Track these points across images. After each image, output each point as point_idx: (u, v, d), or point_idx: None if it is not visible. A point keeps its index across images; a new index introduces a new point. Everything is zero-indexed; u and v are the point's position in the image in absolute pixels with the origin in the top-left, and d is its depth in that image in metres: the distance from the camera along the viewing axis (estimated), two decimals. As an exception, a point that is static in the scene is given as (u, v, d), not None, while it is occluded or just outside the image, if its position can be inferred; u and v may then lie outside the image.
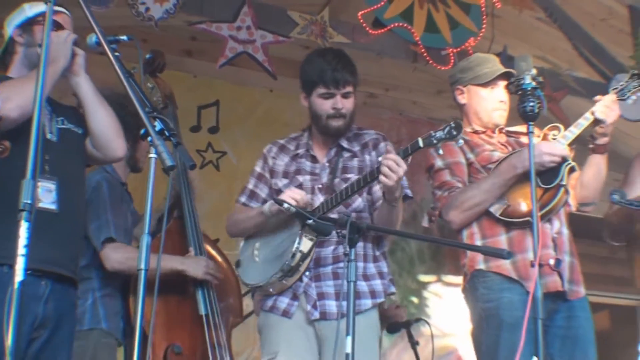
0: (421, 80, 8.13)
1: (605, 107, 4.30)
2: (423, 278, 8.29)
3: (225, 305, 4.59)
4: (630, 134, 7.88)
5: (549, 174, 4.21)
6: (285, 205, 3.84)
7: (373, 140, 4.46)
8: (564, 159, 4.23)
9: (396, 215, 4.24)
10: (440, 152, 3.98)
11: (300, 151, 4.47)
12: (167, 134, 3.08)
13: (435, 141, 3.88)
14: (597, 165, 4.43)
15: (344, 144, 4.42)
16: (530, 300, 3.56)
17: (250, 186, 4.51)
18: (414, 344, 6.05)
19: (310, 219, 3.73)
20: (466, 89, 4.63)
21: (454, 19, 6.51)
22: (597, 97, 4.36)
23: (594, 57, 7.32)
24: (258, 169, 4.53)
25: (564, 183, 4.23)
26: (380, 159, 3.96)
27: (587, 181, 4.43)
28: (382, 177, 3.91)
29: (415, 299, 8.17)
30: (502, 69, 4.56)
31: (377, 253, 4.40)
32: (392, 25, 6.23)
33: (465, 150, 4.49)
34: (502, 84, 4.54)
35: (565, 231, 4.37)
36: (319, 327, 4.16)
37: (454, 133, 3.87)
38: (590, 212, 4.59)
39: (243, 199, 4.51)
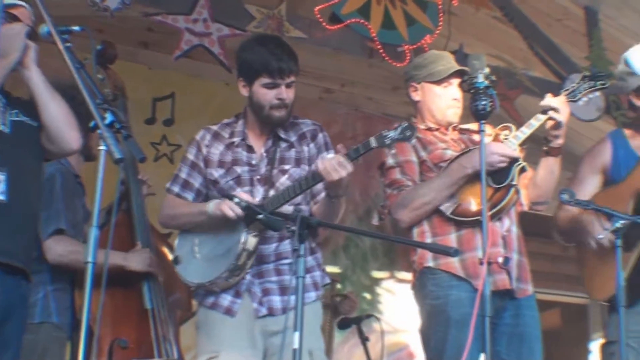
0: (377, 77, 8.15)
1: (559, 102, 4.34)
2: (376, 274, 8.30)
3: (173, 299, 4.56)
4: (582, 134, 7.94)
5: (500, 174, 4.24)
6: (236, 199, 3.82)
7: (311, 131, 4.41)
8: (515, 159, 4.26)
9: (337, 210, 4.21)
10: (393, 150, 3.99)
11: (236, 140, 4.36)
12: (117, 126, 3.05)
13: (388, 141, 3.87)
14: (550, 167, 4.45)
15: (281, 133, 4.35)
16: (478, 298, 3.59)
17: (183, 175, 4.39)
18: (364, 340, 6.08)
19: (261, 214, 3.72)
20: (420, 86, 4.63)
21: (411, 16, 6.52)
22: (548, 97, 4.37)
23: (549, 57, 7.36)
24: (191, 157, 4.41)
25: (514, 183, 4.26)
26: (329, 155, 3.99)
27: (539, 181, 4.45)
28: (324, 175, 3.91)
29: (368, 295, 8.19)
30: (456, 67, 4.57)
31: (313, 244, 4.36)
32: (349, 21, 6.23)
33: (417, 148, 4.49)
34: (456, 81, 4.56)
35: (515, 230, 4.40)
36: (265, 324, 4.13)
37: (407, 134, 3.87)
38: (541, 211, 4.62)
39: (176, 188, 4.39)
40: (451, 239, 4.31)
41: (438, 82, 4.59)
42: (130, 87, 4.90)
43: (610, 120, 7.68)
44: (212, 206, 4.15)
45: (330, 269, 7.88)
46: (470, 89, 3.93)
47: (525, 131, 4.33)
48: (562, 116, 4.31)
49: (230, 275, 4.10)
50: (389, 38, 6.41)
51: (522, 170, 4.30)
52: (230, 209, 3.99)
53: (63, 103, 3.77)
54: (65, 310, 4.42)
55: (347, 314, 6.34)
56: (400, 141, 3.89)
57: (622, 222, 3.85)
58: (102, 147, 3.00)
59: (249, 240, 4.06)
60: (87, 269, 2.92)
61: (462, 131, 4.65)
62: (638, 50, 4.58)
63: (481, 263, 3.67)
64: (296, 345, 3.36)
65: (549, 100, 4.35)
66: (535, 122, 4.34)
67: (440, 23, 6.65)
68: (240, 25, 6.00)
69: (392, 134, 3.87)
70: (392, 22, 6.42)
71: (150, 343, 4.33)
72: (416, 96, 4.65)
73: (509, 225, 4.37)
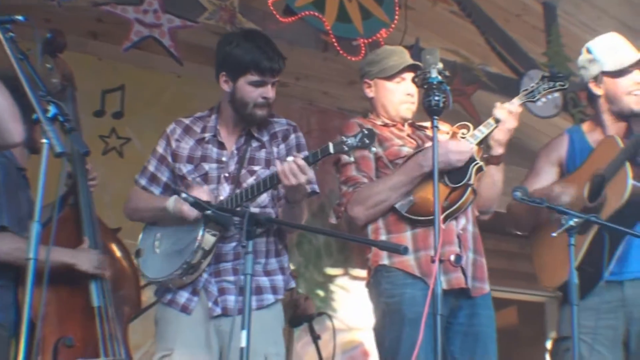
0: (333, 70, 8.13)
1: (508, 113, 4.33)
2: (330, 271, 8.30)
3: (121, 296, 4.52)
4: (539, 130, 7.99)
5: (457, 173, 4.27)
6: (184, 195, 3.80)
7: (283, 131, 4.42)
8: (472, 159, 4.28)
9: (299, 213, 4.22)
10: (352, 159, 4.01)
11: (207, 136, 4.38)
12: (60, 119, 3.02)
13: (346, 148, 3.90)
14: (491, 176, 4.47)
15: (254, 132, 4.36)
16: (429, 296, 3.60)
17: (151, 168, 4.42)
18: (315, 338, 6.07)
19: (208, 210, 3.70)
20: (373, 82, 4.66)
21: (367, 9, 6.52)
22: (498, 107, 4.37)
23: (507, 53, 7.40)
24: (160, 150, 4.43)
25: (471, 183, 4.29)
26: (288, 158, 3.97)
27: (481, 191, 4.47)
28: (282, 178, 3.93)
29: (321, 292, 8.18)
30: (408, 62, 4.60)
31: (279, 247, 4.38)
32: (303, 14, 6.21)
33: (393, 137, 4.54)
34: (410, 76, 4.55)
35: (472, 228, 4.43)
36: (220, 324, 4.13)
37: (367, 141, 3.89)
38: (497, 208, 4.65)
39: (143, 181, 4.42)
40: (406, 236, 4.33)
41: (390, 77, 4.61)
42: (78, 78, 4.84)
43: (568, 117, 7.74)
44: (172, 203, 4.15)
45: (284, 266, 7.89)
46: (423, 85, 3.94)
47: (484, 130, 4.35)
48: (510, 125, 4.33)
49: (184, 273, 4.11)
50: (344, 31, 6.40)
51: (479, 169, 4.32)
52: (190, 209, 3.98)
53: (6, 94, 3.71)
54: (8, 307, 4.37)
55: (305, 314, 6.33)
56: (359, 148, 3.92)
57: (576, 220, 3.88)
58: (44, 140, 2.96)
59: (206, 238, 4.07)
60: (29, 265, 2.89)
61: (419, 128, 4.67)
62: (600, 39, 4.69)
63: (432, 261, 3.67)
64: (244, 344, 3.35)
65: (498, 112, 4.34)
66: (494, 122, 4.34)
67: (397, 17, 6.65)
68: (192, 16, 5.97)
69: (350, 141, 3.90)
70: (347, 15, 6.42)
71: (96, 342, 4.29)
72: (370, 92, 4.68)
73: (464, 224, 4.40)
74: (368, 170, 4.47)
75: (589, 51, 4.66)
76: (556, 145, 4.81)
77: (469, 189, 4.30)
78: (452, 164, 4.23)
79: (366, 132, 3.90)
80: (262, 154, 4.35)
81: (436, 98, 3.84)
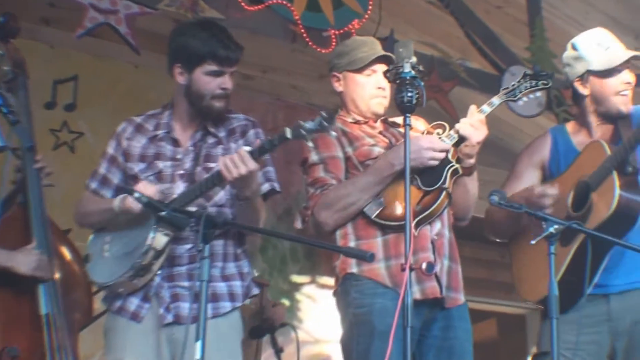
0: (302, 63, 8.14)
1: (471, 126, 4.32)
2: (296, 279, 8.29)
3: (71, 302, 4.51)
4: (522, 130, 8.05)
5: (431, 176, 4.27)
6: (137, 194, 3.80)
7: (241, 126, 4.44)
8: (447, 160, 4.29)
9: (253, 213, 4.23)
10: (310, 144, 4.01)
11: (160, 133, 4.39)
12: (4, 110, 3.03)
13: (304, 132, 3.90)
14: (464, 186, 4.47)
15: (211, 127, 4.38)
16: (399, 307, 3.60)
17: (102, 170, 4.42)
18: (277, 351, 6.07)
19: (163, 211, 3.71)
20: (342, 75, 4.65)
21: (338, -2, 6.55)
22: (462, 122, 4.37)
23: (487, 47, 7.43)
24: (111, 150, 4.44)
25: (446, 186, 4.28)
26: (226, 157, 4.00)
27: (456, 199, 4.46)
28: (223, 173, 3.94)
29: (286, 302, 8.16)
30: (379, 53, 4.59)
31: (239, 251, 4.38)
32: (270, 2, 6.22)
33: (343, 144, 4.50)
34: (382, 69, 4.53)
35: (447, 234, 4.42)
36: (172, 332, 4.12)
37: (325, 124, 3.89)
38: (476, 213, 4.68)
39: (94, 184, 4.42)
40: (376, 243, 4.32)
41: (360, 70, 4.60)
42: (28, 67, 4.83)
43: (552, 116, 7.79)
44: (117, 202, 4.17)
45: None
46: (395, 80, 3.95)
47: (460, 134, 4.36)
48: (477, 138, 4.32)
49: (135, 275, 4.11)
50: (314, 21, 6.41)
51: (455, 172, 4.32)
52: (134, 203, 3.99)
53: None
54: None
55: (280, 319, 6.34)
56: (318, 132, 3.92)
57: (557, 227, 3.87)
58: (-15, 134, 2.98)
59: (158, 238, 4.07)
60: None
61: (392, 124, 4.67)
62: (586, 35, 4.69)
63: (403, 269, 3.68)
64: (198, 356, 3.37)
65: (462, 126, 4.32)
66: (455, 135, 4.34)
67: (370, 7, 6.67)
68: (150, 2, 5.96)
69: (309, 125, 3.89)
70: (318, 4, 6.42)
71: (44, 352, 4.28)
72: (339, 87, 4.67)
73: (440, 228, 4.39)
74: (337, 172, 4.46)
75: (574, 47, 4.65)
76: (538, 146, 4.83)
77: (444, 193, 4.29)
78: (425, 163, 4.23)
79: (325, 115, 3.91)
80: (219, 150, 4.35)
81: (409, 94, 3.85)
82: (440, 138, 4.35)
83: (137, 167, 4.33)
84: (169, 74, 4.39)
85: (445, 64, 7.38)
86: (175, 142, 4.36)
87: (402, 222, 3.94)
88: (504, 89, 4.44)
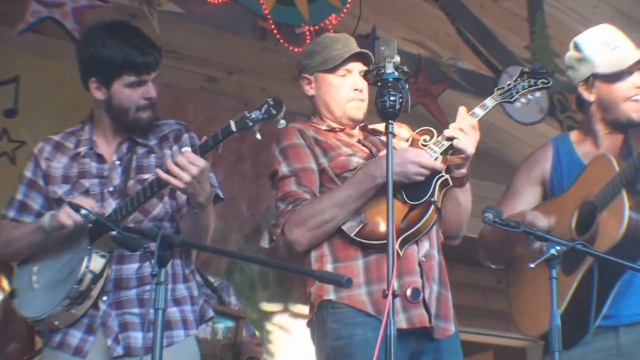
0: (272, 64, 8.15)
1: (462, 132, 4.30)
2: (266, 307, 8.31)
3: (8, 334, 4.51)
4: (522, 139, 8.07)
5: (418, 188, 4.24)
6: (84, 211, 3.79)
7: (174, 131, 4.46)
8: (436, 171, 4.26)
9: (204, 224, 4.23)
10: (258, 136, 3.99)
11: (82, 150, 4.38)
12: None
13: (250, 123, 3.92)
14: (455, 198, 4.44)
15: (138, 138, 4.39)
16: (379, 338, 3.57)
17: (20, 196, 4.40)
18: (243, 389, 6.07)
19: (114, 230, 3.69)
20: (313, 77, 4.63)
21: (313, -10, 6.57)
22: (463, 111, 4.35)
23: (482, 45, 7.45)
24: (29, 174, 4.41)
25: (434, 200, 4.25)
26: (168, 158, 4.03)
27: (446, 215, 4.44)
28: (170, 179, 3.93)
29: (256, 333, 8.19)
30: (354, 50, 4.57)
31: (187, 271, 4.39)
32: (237, -6, 6.25)
33: (317, 154, 4.47)
34: (358, 68, 4.54)
35: (437, 255, 4.39)
36: None
37: (273, 112, 3.92)
38: (469, 233, 4.67)
39: (12, 213, 4.39)
40: (357, 265, 4.28)
41: (334, 69, 4.57)
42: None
43: (555, 123, 7.81)
44: (48, 218, 4.13)
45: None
46: (376, 81, 3.93)
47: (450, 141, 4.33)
48: (468, 145, 4.28)
49: (72, 303, 4.09)
50: (286, 16, 6.41)
51: (445, 184, 4.30)
52: (67, 215, 3.98)
53: None
54: None
55: (256, 355, 6.32)
56: (266, 121, 3.92)
57: (558, 248, 3.86)
58: None
59: (94, 259, 4.06)
60: None
61: (373, 132, 4.66)
62: (590, 33, 4.67)
63: (385, 295, 3.65)
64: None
65: (451, 132, 4.28)
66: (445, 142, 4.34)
67: (349, 0, 6.69)
68: (102, -6, 5.97)
69: (255, 114, 3.91)
70: (290, -3, 6.46)
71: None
72: (310, 90, 4.65)
73: (428, 249, 4.35)
74: (310, 185, 4.43)
75: (577, 48, 4.63)
76: (539, 159, 4.81)
77: (432, 207, 4.26)
78: (410, 178, 4.20)
79: (272, 102, 3.94)
80: (152, 159, 4.36)
81: (391, 98, 3.82)
82: (426, 145, 4.33)
83: (60, 189, 4.31)
84: (84, 88, 4.38)
85: (434, 64, 7.40)
86: (100, 158, 4.37)
87: (386, 241, 3.88)
88: (498, 89, 4.42)
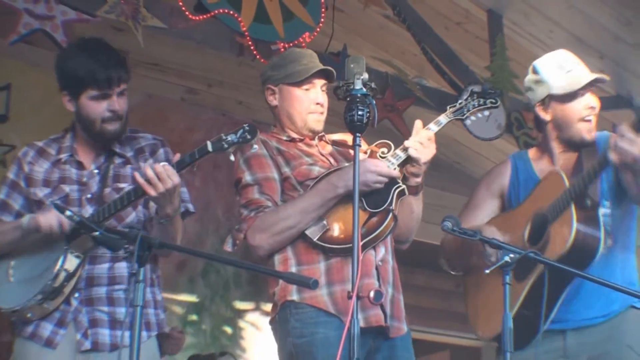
0: (249, 77, 8.11)
1: (419, 144, 4.33)
2: (239, 305, 8.31)
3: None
4: (481, 154, 8.07)
5: (377, 197, 4.26)
6: (69, 212, 3.77)
7: (150, 145, 4.50)
8: (394, 181, 4.28)
9: (171, 235, 4.26)
10: (243, 164, 4.00)
11: (63, 156, 4.43)
12: None
13: (226, 145, 3.96)
14: (409, 206, 4.48)
15: (116, 148, 4.42)
16: (344, 337, 3.57)
17: (2, 196, 4.44)
18: (215, 381, 6.07)
19: (97, 231, 3.68)
20: (278, 88, 4.62)
21: (289, 10, 6.50)
22: (419, 125, 4.38)
23: (445, 65, 7.43)
24: (12, 175, 4.46)
25: (392, 208, 4.28)
26: (147, 164, 4.06)
27: (402, 222, 4.46)
28: (145, 185, 3.96)
29: (228, 329, 8.18)
30: (319, 66, 4.58)
31: (154, 276, 4.42)
32: (216, 11, 6.19)
33: (279, 164, 4.48)
34: (320, 83, 4.57)
35: (391, 260, 4.43)
36: (89, 359, 4.14)
37: (248, 137, 3.97)
38: (431, 240, 4.67)
39: None
40: (319, 268, 4.30)
41: (298, 83, 4.58)
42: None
43: (512, 139, 7.81)
44: (27, 219, 4.17)
45: (187, 297, 7.85)
46: (346, 96, 3.93)
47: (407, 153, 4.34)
48: (423, 155, 4.32)
49: (45, 298, 4.11)
50: (262, 34, 6.38)
51: (402, 193, 4.33)
52: (46, 219, 4.03)
53: None
54: None
55: (173, 353, 6.30)
56: (240, 144, 3.98)
57: (512, 256, 3.86)
58: None
59: (69, 259, 4.09)
60: None
61: (334, 143, 4.67)
62: (548, 57, 4.68)
63: (349, 297, 3.65)
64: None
65: (408, 145, 4.33)
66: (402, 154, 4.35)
67: (323, 19, 6.66)
68: (89, 9, 5.92)
69: (230, 137, 3.96)
70: (267, 16, 6.40)
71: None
72: (273, 100, 4.66)
73: (384, 254, 4.39)
74: (272, 193, 4.44)
75: (535, 70, 4.65)
76: (498, 174, 4.84)
77: (390, 215, 4.28)
78: (369, 186, 4.22)
79: (247, 127, 3.98)
80: (128, 170, 4.39)
81: (359, 113, 3.83)
82: (385, 158, 4.35)
83: (41, 192, 4.35)
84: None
85: (401, 81, 7.38)
86: (80, 165, 4.41)
87: (346, 245, 4.02)
88: (451, 107, 4.47)
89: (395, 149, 4.37)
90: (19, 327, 4.26)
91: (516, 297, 4.33)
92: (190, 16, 6.14)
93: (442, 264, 4.86)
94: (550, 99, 4.59)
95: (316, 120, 4.59)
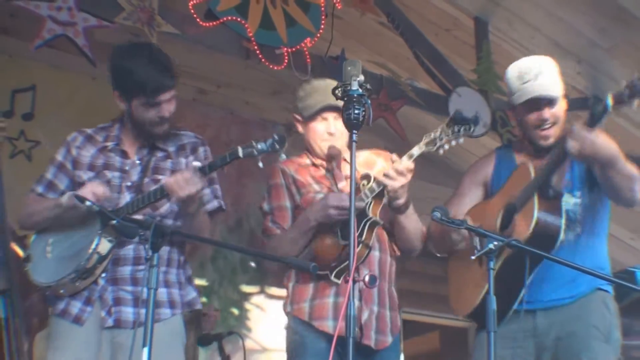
0: (256, 79, 8.14)
1: (397, 173, 4.35)
2: (245, 288, 8.30)
3: (28, 307, 4.50)
4: (467, 149, 8.05)
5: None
6: (88, 202, 3.80)
7: (192, 143, 4.51)
8: (365, 214, 4.35)
9: (197, 227, 4.27)
10: (265, 193, 4.05)
11: (110, 144, 4.44)
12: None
13: (256, 152, 3.99)
14: (399, 224, 4.59)
15: (159, 143, 4.44)
16: (342, 317, 3.57)
17: (49, 176, 4.44)
18: (224, 358, 6.07)
19: (114, 220, 3.70)
20: (301, 118, 4.73)
21: (291, 17, 6.50)
22: (394, 158, 4.40)
23: (435, 68, 7.44)
24: (60, 157, 4.47)
25: (362, 239, 4.35)
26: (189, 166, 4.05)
27: (398, 236, 4.62)
28: (171, 191, 4.01)
29: (235, 311, 8.18)
30: (326, 102, 4.59)
31: (182, 258, 4.44)
32: (225, 19, 6.20)
33: (293, 192, 4.64)
34: (332, 115, 4.63)
35: (378, 281, 4.47)
36: (114, 335, 4.16)
37: (277, 146, 4.00)
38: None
39: (40, 188, 4.43)
40: (309, 287, 4.51)
41: (311, 118, 4.67)
42: (-13, 76, 4.83)
43: (496, 136, 7.81)
44: (66, 198, 4.16)
45: (197, 281, 7.86)
46: (343, 97, 3.96)
47: (382, 184, 4.38)
48: (395, 186, 4.35)
49: (78, 277, 4.13)
50: (267, 39, 6.39)
51: (374, 224, 4.40)
52: (91, 191, 4.06)
53: None
54: None
55: (210, 330, 6.31)
56: (269, 153, 4.01)
57: (496, 243, 3.87)
58: None
59: (102, 242, 4.10)
60: None
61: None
62: (513, 66, 4.65)
63: (346, 281, 3.71)
64: (145, 361, 3.36)
65: (382, 178, 4.38)
66: (376, 187, 4.40)
67: (323, 26, 6.66)
68: (108, 16, 5.92)
69: (261, 145, 4.00)
70: (271, 22, 6.41)
71: (2, 354, 4.26)
72: (300, 128, 4.77)
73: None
74: (281, 222, 4.62)
75: (505, 76, 4.68)
76: (482, 165, 4.87)
77: (361, 246, 4.35)
78: (333, 219, 4.36)
79: (277, 137, 4.01)
80: (168, 164, 4.42)
81: (356, 111, 3.84)
82: (363, 191, 4.39)
83: (85, 175, 4.36)
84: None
85: (394, 83, 7.38)
86: (124, 154, 4.42)
87: (325, 272, 4.32)
88: (426, 137, 4.40)
89: (372, 181, 4.40)
90: (52, 302, 4.29)
91: (485, 279, 4.33)
92: (201, 23, 6.15)
93: (430, 247, 4.89)
94: (513, 105, 4.61)
95: (331, 147, 4.68)
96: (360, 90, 3.91)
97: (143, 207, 4.17)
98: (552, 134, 4.53)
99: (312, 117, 4.66)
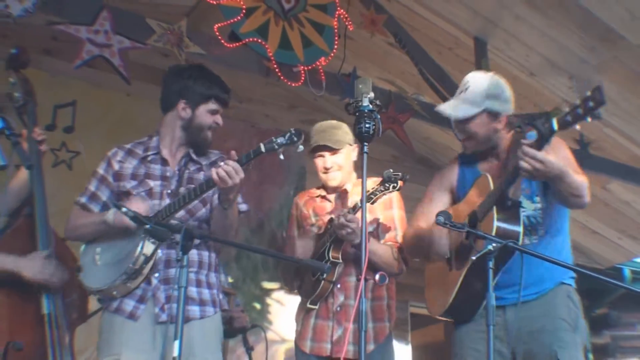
0: (274, 94, 8.19)
1: (339, 227, 4.67)
2: (266, 285, 8.33)
3: (69, 303, 4.50)
4: (452, 147, 8.05)
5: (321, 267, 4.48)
6: (124, 209, 3.82)
7: (221, 159, 4.55)
8: (323, 256, 4.68)
9: (230, 221, 4.30)
10: (282, 156, 4.10)
11: (150, 154, 4.48)
12: (7, 132, 3.03)
13: (276, 146, 4.03)
14: (375, 251, 4.81)
15: (193, 156, 4.49)
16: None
17: (92, 187, 4.47)
18: (248, 349, 6.07)
19: (147, 224, 3.72)
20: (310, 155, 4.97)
21: (308, 38, 6.51)
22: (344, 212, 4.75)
23: (438, 83, 7.44)
24: (101, 171, 4.50)
25: (323, 277, 4.61)
26: (221, 163, 4.08)
27: (372, 265, 4.74)
28: (218, 182, 4.03)
29: (257, 305, 8.21)
30: (317, 143, 4.92)
31: (217, 262, 4.54)
32: (247, 40, 6.22)
33: (311, 215, 4.93)
34: (327, 154, 4.91)
35: (352, 303, 4.67)
36: (166, 329, 4.15)
37: (295, 139, 4.04)
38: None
39: (83, 199, 4.47)
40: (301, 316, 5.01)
41: (312, 155, 4.96)
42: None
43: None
44: (111, 215, 4.22)
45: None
46: (355, 112, 4.00)
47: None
48: (346, 238, 4.64)
49: (128, 278, 4.17)
50: (286, 58, 6.40)
51: (333, 264, 4.66)
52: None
53: None
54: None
55: (243, 322, 6.33)
56: (289, 146, 4.05)
57: (494, 245, 3.88)
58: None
59: (147, 245, 4.13)
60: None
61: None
62: (472, 77, 4.70)
63: (358, 279, 3.78)
64: (176, 354, 3.37)
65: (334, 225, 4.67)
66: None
67: (336, 46, 6.67)
68: (141, 38, 5.95)
69: (280, 139, 4.05)
70: (289, 43, 6.41)
71: (45, 348, 4.26)
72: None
73: (342, 300, 4.74)
74: (289, 250, 4.98)
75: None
76: (447, 173, 4.81)
77: (323, 282, 4.67)
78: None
79: (293, 131, 4.07)
80: (201, 175, 4.46)
81: (366, 125, 3.92)
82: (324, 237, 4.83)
83: (129, 184, 4.40)
84: (164, 107, 4.55)
85: (402, 98, 7.38)
86: (165, 162, 4.47)
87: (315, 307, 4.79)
88: (367, 192, 4.55)
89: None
90: (105, 302, 4.35)
91: (454, 281, 4.38)
92: (225, 44, 6.15)
93: (405, 253, 4.97)
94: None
95: (331, 179, 4.94)
96: (371, 106, 3.99)
97: (183, 206, 4.22)
98: (470, 146, 4.59)
99: (313, 155, 4.92)
